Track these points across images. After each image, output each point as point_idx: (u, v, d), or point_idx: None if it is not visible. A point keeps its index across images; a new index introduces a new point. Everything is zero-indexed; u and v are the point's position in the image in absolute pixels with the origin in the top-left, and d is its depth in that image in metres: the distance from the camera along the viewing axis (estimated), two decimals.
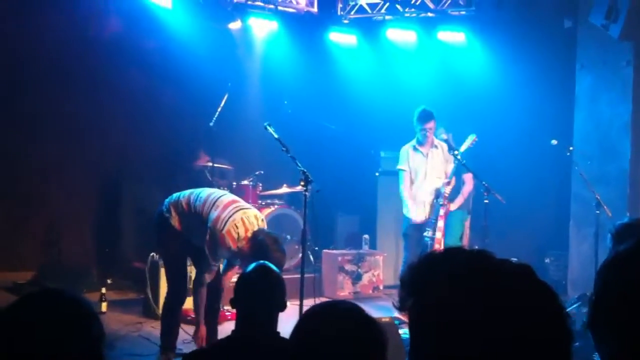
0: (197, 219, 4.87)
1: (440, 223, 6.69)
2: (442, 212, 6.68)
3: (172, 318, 5.13)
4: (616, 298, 1.34)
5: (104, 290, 6.58)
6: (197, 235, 4.91)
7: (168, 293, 5.18)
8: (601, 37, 7.11)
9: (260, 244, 4.48)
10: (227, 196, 4.99)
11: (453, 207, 6.80)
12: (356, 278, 7.90)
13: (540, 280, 1.10)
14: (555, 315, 1.07)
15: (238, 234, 4.69)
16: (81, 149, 7.88)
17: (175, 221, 4.96)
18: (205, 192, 5.05)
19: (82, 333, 1.63)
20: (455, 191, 7.11)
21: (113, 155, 8.13)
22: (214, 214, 4.77)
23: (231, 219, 4.70)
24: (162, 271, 6.37)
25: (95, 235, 8.16)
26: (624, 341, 1.33)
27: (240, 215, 4.75)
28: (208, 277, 4.89)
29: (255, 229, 4.74)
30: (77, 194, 7.93)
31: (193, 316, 5.68)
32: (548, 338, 1.04)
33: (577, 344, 5.27)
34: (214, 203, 4.85)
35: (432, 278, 1.10)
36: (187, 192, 5.09)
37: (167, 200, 5.09)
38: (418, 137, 6.84)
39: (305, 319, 1.88)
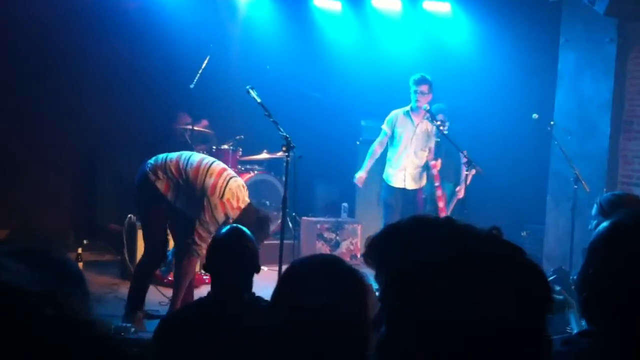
0: (190, 186, 4.87)
1: (441, 204, 6.79)
2: (439, 192, 6.76)
3: (144, 281, 5.12)
4: (611, 276, 1.36)
5: (80, 250, 6.53)
6: (187, 201, 4.91)
7: (144, 256, 5.16)
8: (586, 13, 7.10)
9: (253, 215, 4.71)
10: (217, 163, 5.04)
11: (461, 195, 6.88)
12: (334, 246, 7.93)
13: (509, 242, 1.10)
14: (528, 273, 1.07)
15: (234, 202, 4.83)
16: (60, 113, 7.74)
17: (162, 184, 4.90)
18: (195, 157, 5.02)
19: (68, 293, 1.60)
20: (448, 167, 7.20)
21: (92, 119, 7.99)
22: (210, 181, 4.81)
23: (228, 188, 4.81)
24: (139, 233, 6.34)
25: (72, 197, 8.07)
26: (616, 317, 1.34)
27: (233, 183, 4.87)
28: (204, 248, 4.78)
29: (246, 199, 4.90)
30: (56, 158, 7.82)
31: (171, 279, 5.67)
32: (519, 298, 1.03)
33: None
34: (208, 170, 4.87)
35: (400, 249, 1.09)
36: (173, 155, 5.03)
37: (150, 161, 5.00)
38: (412, 102, 6.83)
39: (291, 268, 1.88)
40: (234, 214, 4.83)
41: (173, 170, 4.91)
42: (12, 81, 7.43)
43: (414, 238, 1.09)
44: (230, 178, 4.90)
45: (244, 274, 2.76)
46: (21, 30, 7.39)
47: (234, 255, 2.77)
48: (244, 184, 5.04)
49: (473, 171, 6.72)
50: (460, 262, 1.03)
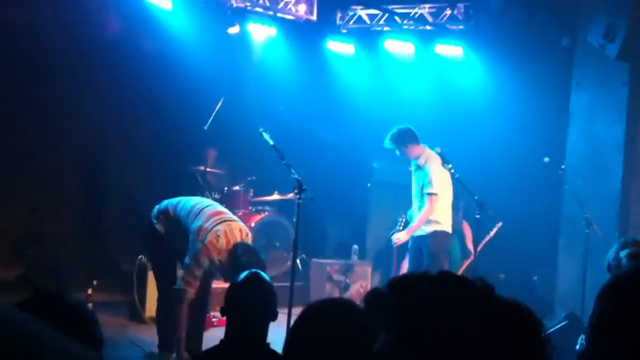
0: (179, 228, 4.89)
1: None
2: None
3: (166, 320, 5.09)
4: (619, 320, 1.35)
5: (90, 291, 6.52)
6: (178, 242, 4.92)
7: (159, 297, 5.16)
8: (598, 57, 7.13)
9: (239, 258, 4.40)
10: (212, 207, 4.97)
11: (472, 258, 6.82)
12: (344, 288, 7.87)
13: (504, 301, 1.14)
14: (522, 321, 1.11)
15: (219, 245, 4.65)
16: (72, 155, 7.82)
17: (161, 227, 5.02)
18: (192, 201, 5.05)
19: (84, 339, 1.60)
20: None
21: (104, 159, 8.08)
22: (197, 224, 4.75)
23: (213, 230, 4.67)
24: (150, 274, 6.36)
25: (82, 237, 8.08)
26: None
27: (224, 227, 4.71)
28: (192, 292, 4.80)
29: (238, 241, 4.70)
30: (66, 200, 7.86)
31: None
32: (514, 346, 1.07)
33: None
34: (198, 213, 4.84)
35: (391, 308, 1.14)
36: (176, 200, 5.11)
37: (157, 206, 5.12)
38: None
39: (305, 313, 1.87)
40: (220, 257, 4.67)
41: (171, 213, 4.99)
42: (27, 112, 7.50)
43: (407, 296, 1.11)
44: (223, 221, 4.74)
45: (262, 322, 2.72)
46: (44, 60, 7.49)
47: (252, 305, 2.73)
48: (243, 228, 4.85)
49: (499, 224, 6.74)
50: (453, 319, 1.05)
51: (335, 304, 1.93)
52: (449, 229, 6.63)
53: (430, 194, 6.41)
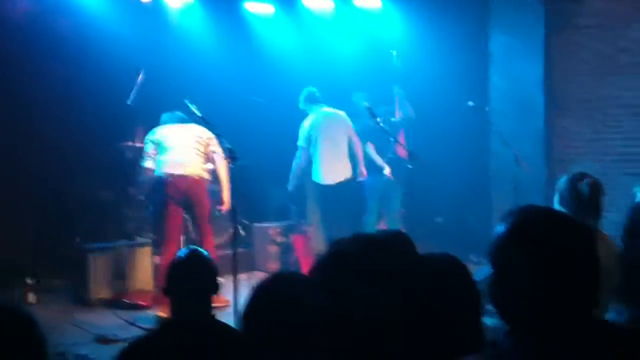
0: None
1: None
2: None
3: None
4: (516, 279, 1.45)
5: (30, 280, 6.38)
6: None
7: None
8: None
9: None
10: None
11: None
12: (287, 249, 7.94)
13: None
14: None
15: None
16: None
17: None
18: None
19: (23, 342, 1.58)
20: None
21: (30, 142, 7.79)
22: None
23: None
24: (90, 257, 6.32)
25: (16, 226, 7.83)
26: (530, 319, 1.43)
27: None
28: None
29: None
30: None
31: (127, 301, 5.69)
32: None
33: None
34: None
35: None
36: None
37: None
38: None
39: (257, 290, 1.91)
40: None
41: None
42: None
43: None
44: None
45: (204, 296, 2.78)
46: None
47: (190, 282, 2.78)
48: None
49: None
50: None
51: (286, 278, 1.97)
52: (319, 179, 7.25)
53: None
